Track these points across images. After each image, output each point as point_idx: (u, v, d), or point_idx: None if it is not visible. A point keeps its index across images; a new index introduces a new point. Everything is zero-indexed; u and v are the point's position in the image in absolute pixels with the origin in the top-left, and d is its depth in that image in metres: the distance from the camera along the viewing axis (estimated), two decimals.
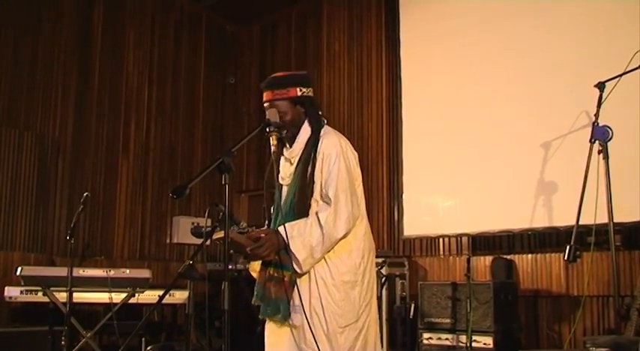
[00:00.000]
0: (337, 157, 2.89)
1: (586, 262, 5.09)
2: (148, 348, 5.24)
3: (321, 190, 2.89)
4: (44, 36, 6.96)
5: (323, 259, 2.84)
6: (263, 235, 2.82)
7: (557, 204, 5.32)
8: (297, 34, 8.23)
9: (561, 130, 5.34)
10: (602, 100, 4.07)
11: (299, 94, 3.02)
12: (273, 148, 2.87)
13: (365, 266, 2.92)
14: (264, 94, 3.04)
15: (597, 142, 3.96)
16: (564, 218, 5.12)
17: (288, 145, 3.06)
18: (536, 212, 5.42)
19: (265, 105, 3.02)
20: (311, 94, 3.07)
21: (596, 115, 4.02)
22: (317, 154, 2.92)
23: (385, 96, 7.09)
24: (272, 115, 2.92)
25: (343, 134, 3.08)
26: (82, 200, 5.03)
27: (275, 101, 2.99)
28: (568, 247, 3.80)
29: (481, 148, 5.92)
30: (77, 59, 7.24)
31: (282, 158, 3.10)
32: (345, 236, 2.85)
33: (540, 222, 5.41)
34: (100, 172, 7.31)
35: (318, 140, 2.95)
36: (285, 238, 2.77)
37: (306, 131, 3.00)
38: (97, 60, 7.42)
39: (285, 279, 2.81)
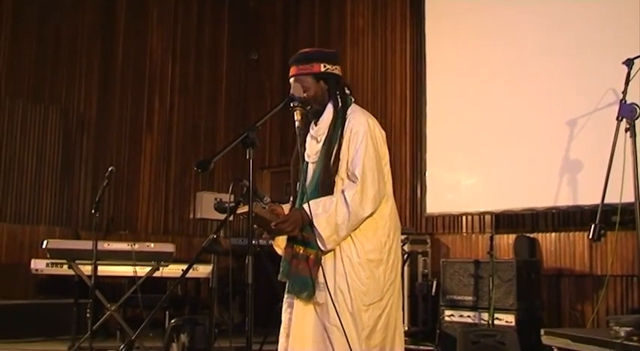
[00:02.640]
0: (364, 135, 2.87)
1: (610, 242, 5.05)
2: (172, 321, 5.30)
3: (348, 168, 2.87)
4: (68, 12, 6.98)
5: (349, 237, 2.82)
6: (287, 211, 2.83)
7: (582, 182, 5.28)
8: (320, 9, 8.16)
9: (588, 108, 5.28)
10: (631, 78, 4.00)
11: (322, 70, 2.99)
12: (297, 123, 2.86)
13: (390, 245, 2.91)
14: (291, 69, 3.03)
15: (624, 119, 3.89)
16: (589, 197, 5.08)
17: (314, 123, 3.05)
18: (560, 190, 5.38)
19: (291, 80, 3.02)
20: (337, 71, 3.03)
21: (624, 92, 3.95)
22: (344, 132, 2.90)
23: (409, 72, 7.02)
24: (296, 90, 2.92)
25: (366, 111, 3.06)
26: (106, 175, 5.08)
27: (299, 76, 2.98)
28: (593, 226, 3.76)
29: (505, 126, 5.86)
30: (101, 35, 7.26)
31: (308, 135, 3.07)
32: (370, 215, 2.84)
33: (565, 200, 5.37)
34: (125, 147, 7.36)
35: (346, 118, 2.93)
36: (310, 215, 2.77)
37: (330, 109, 2.98)
38: (120, 36, 7.44)
39: (311, 257, 2.81)
